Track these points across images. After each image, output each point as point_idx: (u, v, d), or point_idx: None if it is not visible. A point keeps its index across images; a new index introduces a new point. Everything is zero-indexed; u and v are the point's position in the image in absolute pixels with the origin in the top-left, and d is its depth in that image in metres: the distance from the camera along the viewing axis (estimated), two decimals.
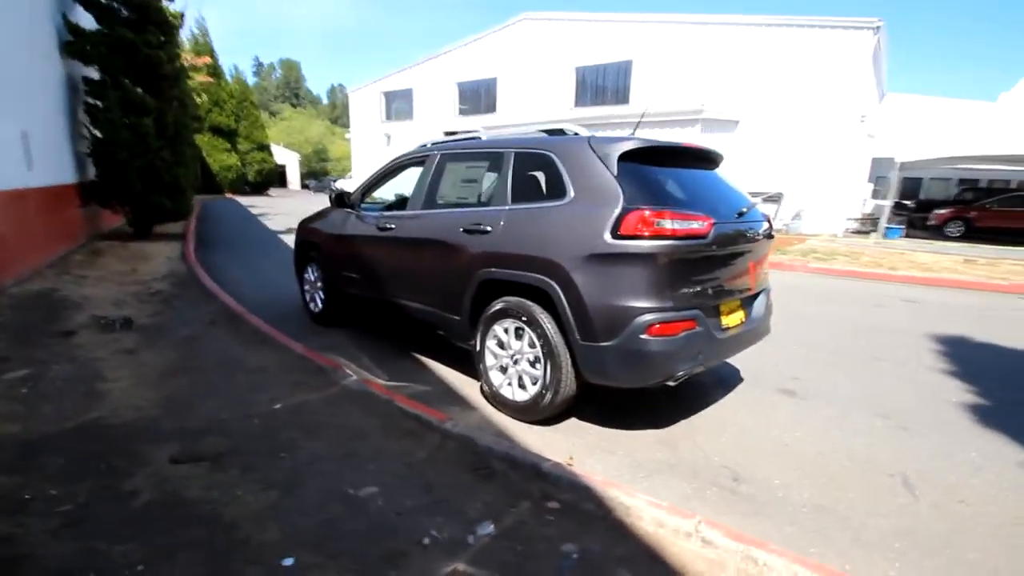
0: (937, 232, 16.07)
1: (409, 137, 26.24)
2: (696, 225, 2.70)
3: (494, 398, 3.31)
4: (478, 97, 23.63)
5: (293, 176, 48.57)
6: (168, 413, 2.99)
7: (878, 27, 13.99)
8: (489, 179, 3.55)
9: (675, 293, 2.71)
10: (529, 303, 3.02)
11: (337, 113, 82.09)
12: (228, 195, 27.87)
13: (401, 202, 5.00)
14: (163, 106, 9.21)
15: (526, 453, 2.53)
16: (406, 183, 4.53)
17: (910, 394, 3.80)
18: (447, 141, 4.05)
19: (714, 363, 3.11)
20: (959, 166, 19.51)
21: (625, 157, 2.85)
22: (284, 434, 2.82)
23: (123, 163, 8.57)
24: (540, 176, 3.17)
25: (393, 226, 3.99)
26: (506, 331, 3.19)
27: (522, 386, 3.17)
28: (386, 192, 4.79)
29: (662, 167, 2.98)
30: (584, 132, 3.30)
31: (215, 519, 2.08)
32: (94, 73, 8.48)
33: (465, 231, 3.36)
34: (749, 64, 16.15)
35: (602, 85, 19.56)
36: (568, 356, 2.90)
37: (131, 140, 8.57)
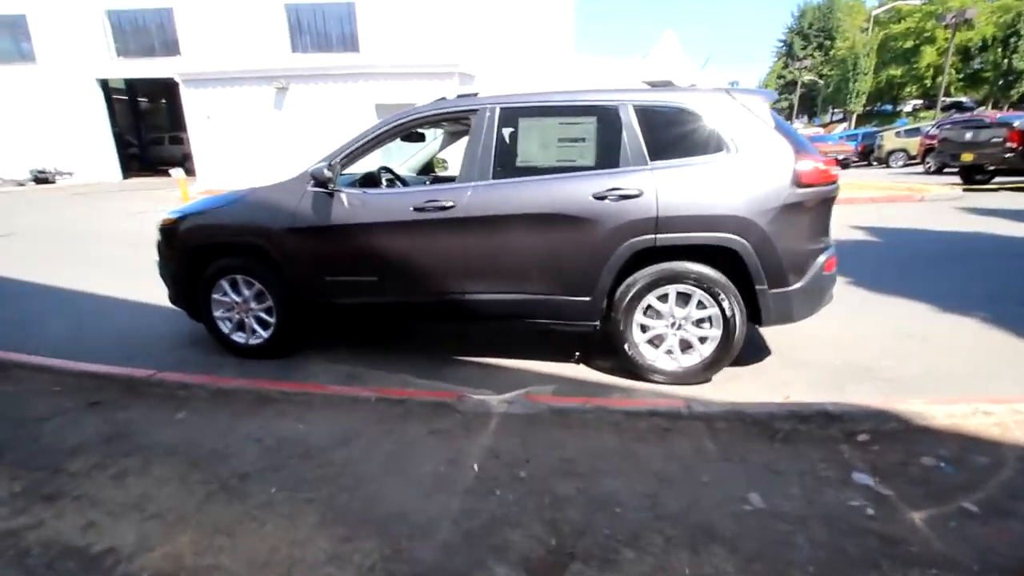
0: None
1: (33, 88, 18.34)
2: (836, 171, 3.11)
3: (652, 372, 3.16)
4: (146, 33, 18.01)
5: None
6: (378, 535, 1.85)
7: None
8: (601, 135, 3.13)
9: (828, 232, 3.13)
10: (692, 264, 2.97)
11: None
12: None
13: (370, 177, 3.89)
14: None
15: (809, 405, 2.63)
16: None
17: None
18: (487, 97, 3.30)
19: None
20: None
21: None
22: (561, 489, 2.15)
23: None
24: (681, 131, 3.01)
25: (451, 203, 3.12)
26: (661, 299, 3.06)
27: (684, 351, 3.14)
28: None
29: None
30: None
31: None
32: None
33: (597, 197, 2.96)
34: (472, 17, 17.00)
35: (323, 29, 17.52)
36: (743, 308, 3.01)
37: None
